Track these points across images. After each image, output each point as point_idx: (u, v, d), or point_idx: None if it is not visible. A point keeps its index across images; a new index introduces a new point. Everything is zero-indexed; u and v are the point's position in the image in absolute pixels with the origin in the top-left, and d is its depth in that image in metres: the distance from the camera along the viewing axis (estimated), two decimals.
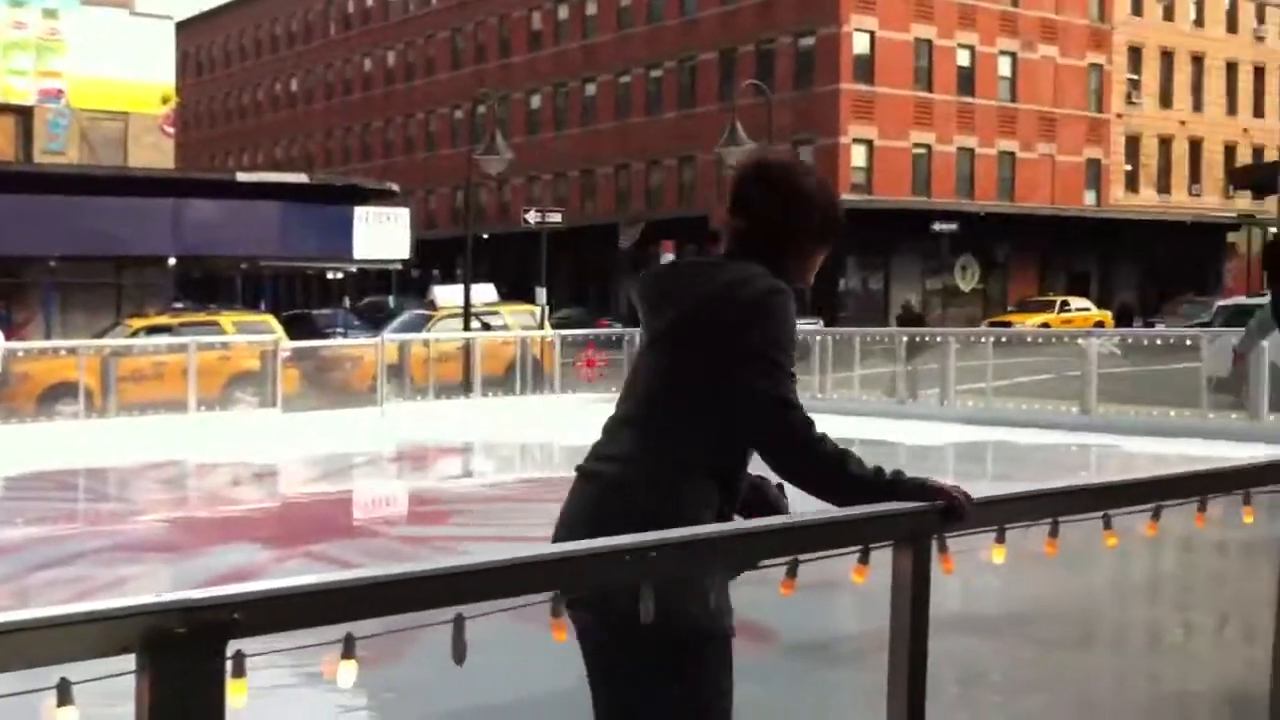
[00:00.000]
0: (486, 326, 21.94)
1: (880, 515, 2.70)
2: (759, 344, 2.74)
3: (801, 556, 2.59)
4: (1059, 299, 46.51)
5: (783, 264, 2.93)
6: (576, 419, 17.85)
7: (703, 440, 2.81)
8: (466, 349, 19.70)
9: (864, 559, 2.68)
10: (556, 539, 2.84)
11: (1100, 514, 3.01)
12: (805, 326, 25.91)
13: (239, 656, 1.86)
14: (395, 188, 38.02)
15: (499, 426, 17.30)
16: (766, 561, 2.61)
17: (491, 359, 20.17)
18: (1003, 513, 2.84)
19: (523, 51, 62.12)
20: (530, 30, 62.03)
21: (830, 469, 2.74)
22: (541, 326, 24.05)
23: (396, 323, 24.59)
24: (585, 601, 2.46)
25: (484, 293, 23.52)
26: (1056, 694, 5.60)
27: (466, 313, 21.34)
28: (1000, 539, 2.88)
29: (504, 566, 2.16)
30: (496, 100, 54.62)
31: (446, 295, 23.27)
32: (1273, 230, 38.35)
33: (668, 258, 46.42)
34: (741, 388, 2.73)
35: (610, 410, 3.17)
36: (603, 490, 2.91)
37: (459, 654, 2.21)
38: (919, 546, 2.69)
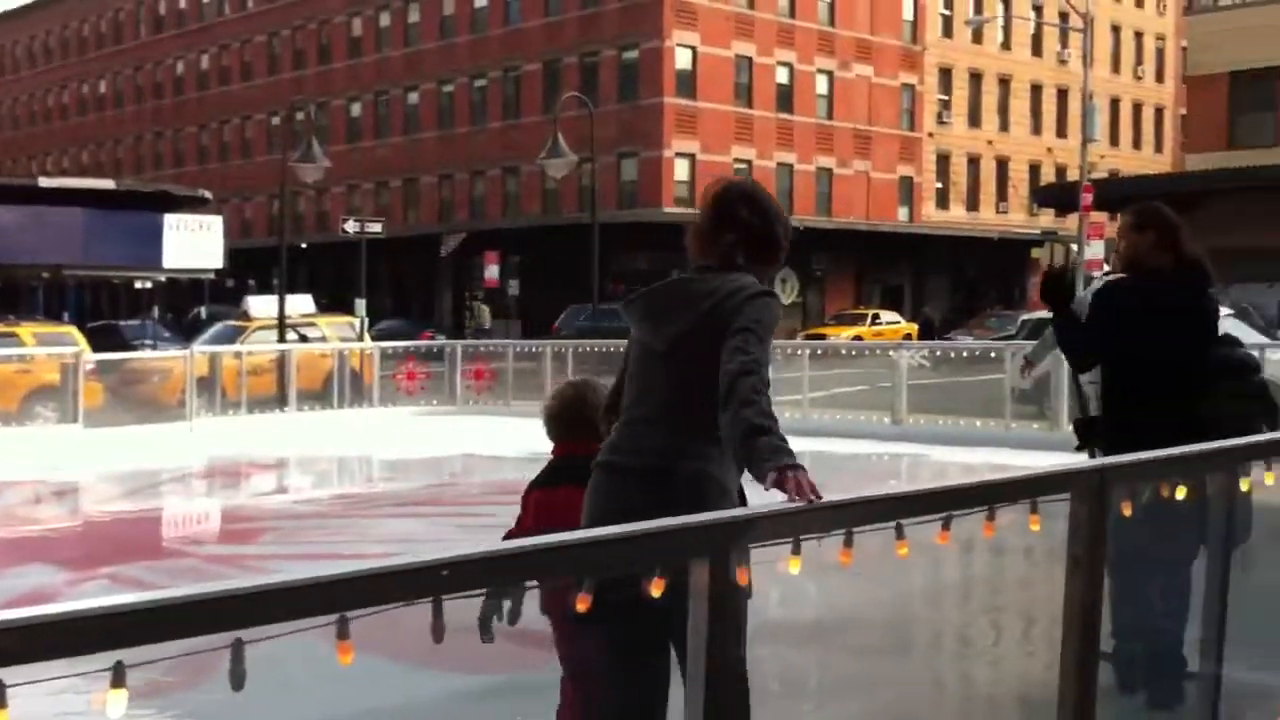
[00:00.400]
0: (303, 338, 21.45)
1: (677, 529, 2.70)
2: (747, 320, 3.29)
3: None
4: (871, 312, 47.77)
5: (764, 271, 3.52)
6: (397, 433, 17.63)
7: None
8: (281, 361, 19.24)
9: (660, 573, 2.68)
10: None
11: (893, 524, 3.07)
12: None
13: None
14: (208, 195, 36.98)
15: (315, 441, 16.93)
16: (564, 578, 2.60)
17: (308, 372, 19.72)
18: (797, 524, 2.87)
19: (343, 58, 61.12)
20: (350, 36, 61.08)
21: (748, 428, 3.12)
22: (361, 338, 23.65)
23: (207, 334, 23.84)
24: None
25: (300, 304, 22.99)
26: (870, 699, 5.70)
27: (281, 324, 20.83)
28: (796, 550, 2.91)
29: (282, 589, 2.09)
30: (314, 107, 53.68)
31: (261, 306, 22.66)
32: (1074, 246, 40.06)
33: (492, 269, 46.23)
34: (728, 346, 3.25)
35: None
36: (645, 480, 3.35)
37: (237, 680, 2.14)
38: (716, 559, 2.70)
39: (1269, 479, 4.08)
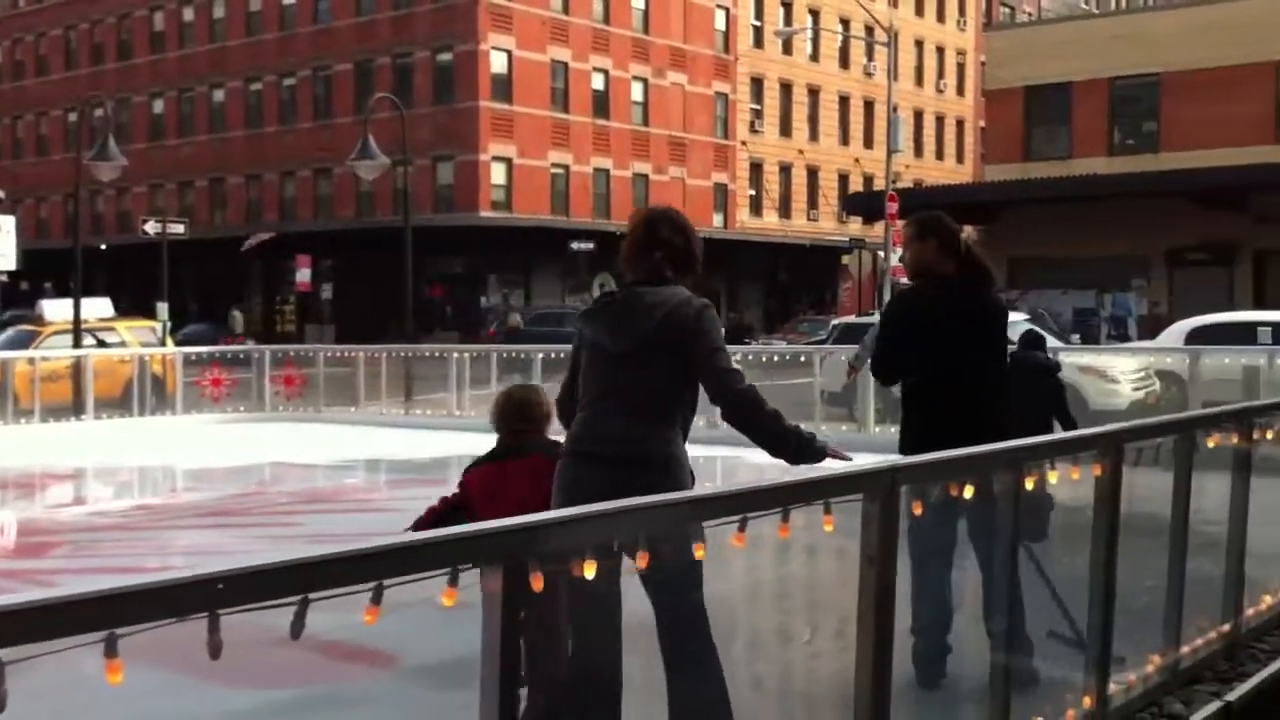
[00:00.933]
0: (101, 343, 20.64)
1: (469, 536, 2.67)
2: (715, 341, 4.11)
3: (387, 581, 2.53)
4: None
5: (686, 280, 4.19)
6: (201, 441, 17.09)
7: (679, 412, 4.16)
8: (77, 367, 18.49)
9: (453, 581, 2.64)
10: None
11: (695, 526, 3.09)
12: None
13: None
14: (1, 194, 35.27)
15: (115, 450, 16.30)
16: (357, 587, 2.54)
17: (106, 378, 19.00)
18: (593, 529, 2.87)
19: (144, 53, 59.08)
20: (153, 31, 59.09)
21: (768, 422, 4.12)
22: (163, 343, 22.91)
23: None
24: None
25: (98, 307, 22.11)
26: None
27: (77, 328, 20.01)
28: (592, 555, 2.90)
29: (44, 606, 1.99)
30: (114, 104, 51.73)
31: (55, 309, 21.72)
32: (880, 253, 41.17)
33: (304, 273, 45.25)
34: (712, 370, 4.09)
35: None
36: (616, 466, 4.01)
37: None
38: (509, 566, 2.67)
39: (1052, 478, 4.25)
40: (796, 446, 4.07)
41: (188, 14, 57.76)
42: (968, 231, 57.99)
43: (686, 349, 4.05)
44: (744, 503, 3.25)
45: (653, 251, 4.19)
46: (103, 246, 49.98)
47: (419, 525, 5.08)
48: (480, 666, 2.73)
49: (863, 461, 3.78)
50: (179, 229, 27.79)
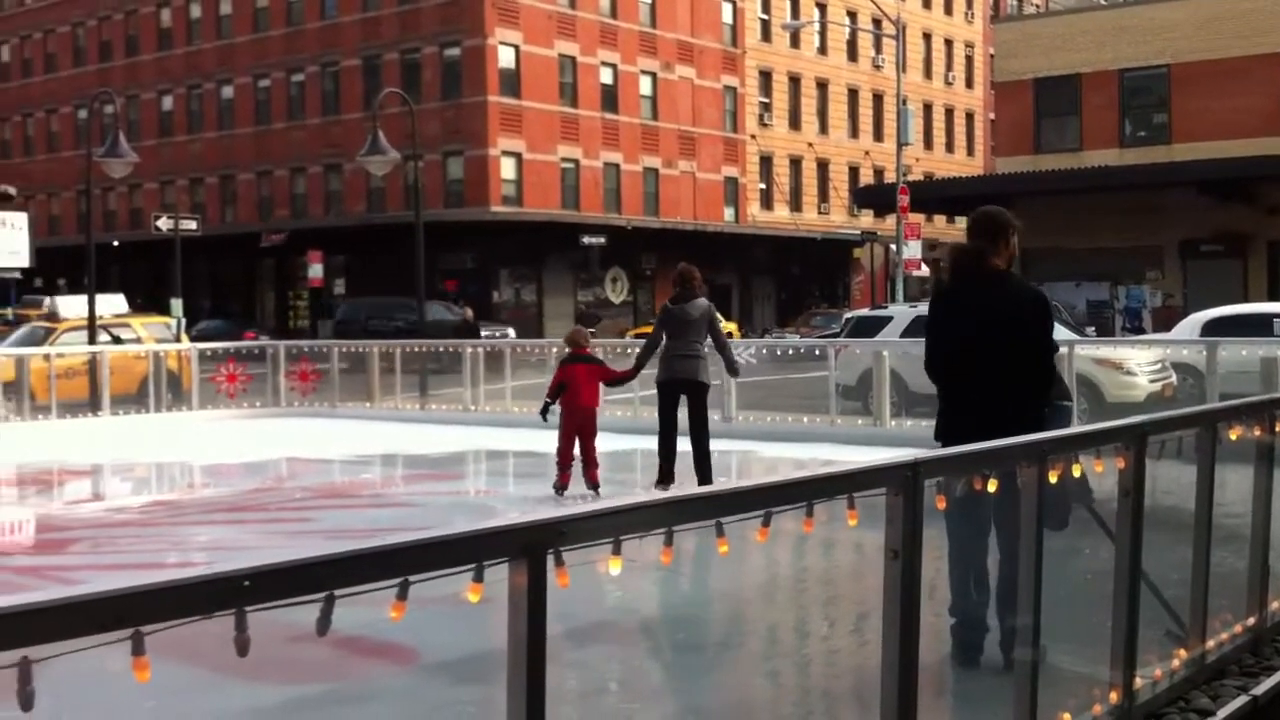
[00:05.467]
0: (116, 340, 20.69)
1: (493, 532, 2.65)
2: (717, 318, 11.08)
3: (413, 578, 2.51)
4: None
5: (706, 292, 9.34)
6: (217, 436, 17.11)
7: None
8: (93, 364, 18.53)
9: (478, 577, 2.63)
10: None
11: (713, 521, 3.07)
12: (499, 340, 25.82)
13: None
14: (12, 191, 35.31)
15: (131, 446, 16.33)
16: (383, 583, 2.53)
17: (122, 374, 19.06)
18: (616, 525, 2.85)
19: (152, 50, 59.14)
20: (160, 28, 59.13)
21: (733, 357, 11.86)
22: (178, 339, 22.97)
23: (14, 336, 22.82)
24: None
25: (113, 304, 22.19)
26: (699, 696, 5.72)
27: (92, 325, 20.04)
28: (617, 550, 2.89)
29: (70, 604, 1.98)
30: (122, 100, 51.81)
31: (70, 306, 21.78)
32: (893, 246, 41.10)
33: (316, 268, 45.31)
34: (716, 329, 11.38)
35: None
36: (690, 385, 11.08)
37: (25, 700, 2.02)
38: (533, 561, 2.66)
39: (1076, 470, 4.22)
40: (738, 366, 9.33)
41: (195, 10, 57.80)
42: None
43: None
44: (767, 498, 3.23)
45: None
46: (115, 243, 50.08)
47: (550, 393, 11.34)
48: (506, 662, 2.71)
49: (882, 456, 3.76)
50: (191, 225, 27.84)
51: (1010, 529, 4.04)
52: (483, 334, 32.78)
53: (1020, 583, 3.92)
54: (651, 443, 11.48)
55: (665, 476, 11.02)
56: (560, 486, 11.05)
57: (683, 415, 11.14)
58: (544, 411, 11.20)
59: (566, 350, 11.58)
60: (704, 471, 10.98)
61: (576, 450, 11.04)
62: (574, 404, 11.02)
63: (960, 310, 5.36)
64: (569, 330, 12.03)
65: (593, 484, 10.97)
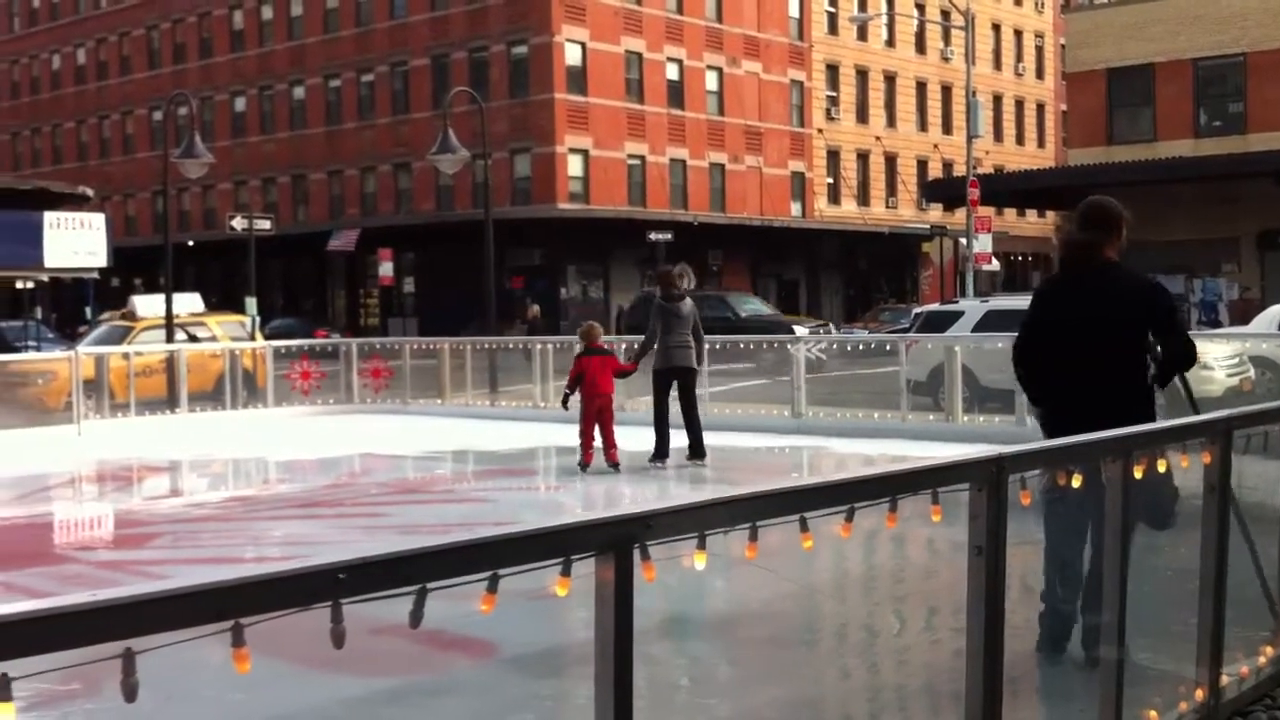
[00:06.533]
0: (192, 338, 21.01)
1: (581, 527, 2.68)
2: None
3: (501, 572, 2.54)
4: None
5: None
6: (292, 433, 17.33)
7: None
8: (170, 362, 18.82)
9: (566, 571, 2.66)
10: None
11: (796, 517, 3.07)
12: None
13: None
14: (89, 192, 36.00)
15: (208, 443, 16.59)
16: (473, 576, 2.56)
17: (198, 372, 19.34)
18: (702, 519, 2.86)
19: (225, 51, 59.96)
20: (232, 30, 59.94)
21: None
22: (252, 337, 23.24)
23: (93, 335, 23.24)
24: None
25: (189, 302, 22.50)
26: (778, 691, 5.72)
27: (169, 324, 20.36)
28: (701, 545, 2.90)
29: (174, 596, 2.03)
30: (197, 101, 52.59)
31: (147, 305, 22.13)
32: (963, 240, 40.73)
33: (386, 267, 45.76)
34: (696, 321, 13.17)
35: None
36: (687, 369, 12.71)
37: (129, 692, 2.07)
38: (620, 555, 2.68)
39: (1161, 466, 4.17)
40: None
41: (266, 12, 58.52)
42: (1051, 217, 57.13)
43: None
44: (850, 493, 3.23)
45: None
46: (190, 243, 50.88)
47: (570, 384, 12.72)
48: (594, 655, 2.73)
49: (955, 451, 3.74)
50: (265, 225, 28.21)
51: (1100, 525, 4.00)
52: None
53: (1105, 579, 3.89)
54: (721, 439, 11.56)
55: (662, 452, 12.65)
56: (584, 464, 12.39)
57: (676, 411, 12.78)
58: (565, 401, 12.81)
59: (580, 344, 13.04)
60: (697, 443, 12.67)
61: (596, 432, 12.43)
62: (592, 391, 12.44)
63: (1072, 302, 5.31)
64: (583, 325, 13.26)
65: (613, 463, 12.29)
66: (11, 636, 1.89)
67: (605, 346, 13.27)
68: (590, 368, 12.48)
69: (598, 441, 12.34)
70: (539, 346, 19.13)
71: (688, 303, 12.87)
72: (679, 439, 12.73)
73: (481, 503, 11.92)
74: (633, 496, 11.85)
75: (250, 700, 5.08)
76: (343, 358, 20.40)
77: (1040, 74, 70.65)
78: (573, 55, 49.18)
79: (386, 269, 45.67)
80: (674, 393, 12.78)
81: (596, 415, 12.34)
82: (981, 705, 3.31)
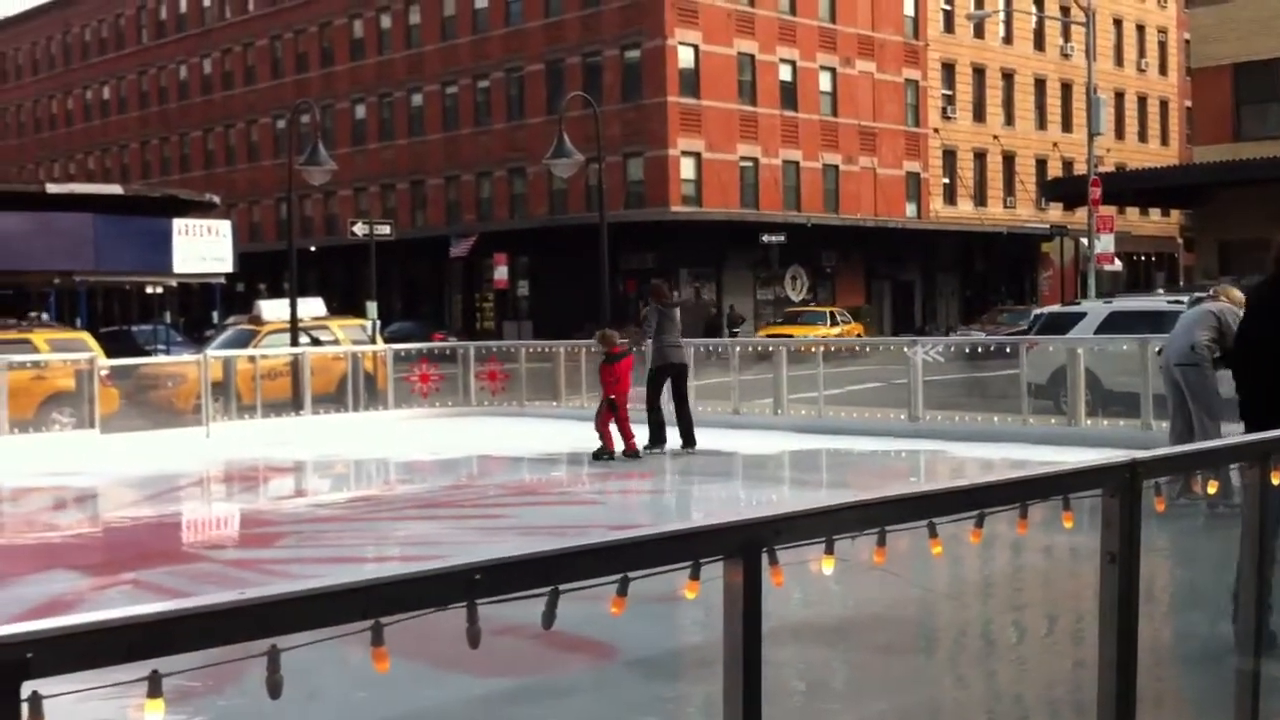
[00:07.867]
0: (316, 341, 21.46)
1: (710, 530, 2.69)
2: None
3: (631, 574, 2.56)
4: (829, 310, 46.50)
5: None
6: (412, 435, 17.62)
7: None
8: (295, 365, 19.25)
9: (695, 574, 2.67)
10: None
11: (925, 522, 3.05)
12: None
13: (35, 698, 1.76)
14: (215, 199, 36.98)
15: (331, 444, 16.94)
16: (605, 579, 2.58)
17: (322, 375, 19.74)
18: (830, 524, 2.86)
19: (345, 60, 61.14)
20: (352, 39, 61.09)
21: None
22: (373, 341, 23.66)
23: (220, 339, 23.86)
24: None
25: (312, 307, 22.99)
26: (899, 698, 5.68)
27: (294, 327, 20.83)
28: (829, 550, 2.89)
29: (318, 595, 2.08)
30: (319, 109, 53.68)
31: (272, 310, 22.66)
32: (1084, 240, 39.91)
33: (501, 270, 46.29)
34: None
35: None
36: (682, 365, 14.65)
37: (273, 688, 2.12)
38: (749, 559, 2.68)
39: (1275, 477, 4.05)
40: None
41: (385, 21, 59.54)
42: (1176, 216, 55.62)
43: None
44: (979, 498, 3.19)
45: None
46: (312, 248, 51.97)
47: (609, 390, 14.01)
48: (723, 660, 2.74)
49: (1078, 456, 3.68)
50: (385, 230, 28.69)
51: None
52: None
53: (1241, 587, 3.79)
54: (837, 442, 11.45)
55: (657, 440, 14.29)
56: (608, 453, 13.82)
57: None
58: (612, 406, 13.97)
59: (602, 350, 14.32)
60: (688, 433, 14.29)
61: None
62: (622, 389, 14.04)
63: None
64: (600, 332, 14.64)
65: (632, 453, 13.87)
66: (162, 634, 1.94)
67: (623, 348, 14.62)
68: (614, 372, 14.02)
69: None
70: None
71: (678, 310, 14.91)
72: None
73: (595, 505, 12.00)
74: (748, 500, 11.84)
75: (373, 699, 5.18)
76: (460, 361, 20.68)
77: (1163, 70, 68.96)
78: (685, 58, 49.25)
79: (501, 272, 46.17)
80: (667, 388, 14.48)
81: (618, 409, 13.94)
82: (1115, 716, 3.26)
